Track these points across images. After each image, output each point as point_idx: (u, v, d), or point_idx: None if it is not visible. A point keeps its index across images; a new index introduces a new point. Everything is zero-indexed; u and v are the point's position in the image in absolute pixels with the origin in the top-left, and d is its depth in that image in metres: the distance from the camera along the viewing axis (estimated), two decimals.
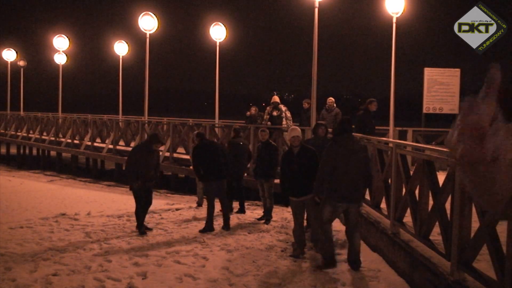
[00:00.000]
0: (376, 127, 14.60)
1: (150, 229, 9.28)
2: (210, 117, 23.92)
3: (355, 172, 6.60)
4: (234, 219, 10.33)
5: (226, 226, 9.37)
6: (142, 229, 9.11)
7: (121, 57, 25.59)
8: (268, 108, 14.99)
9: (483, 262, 4.88)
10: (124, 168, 9.76)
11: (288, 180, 7.35)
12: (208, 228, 9.20)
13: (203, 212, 10.65)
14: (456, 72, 15.88)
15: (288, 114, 14.87)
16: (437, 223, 5.59)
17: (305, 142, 9.71)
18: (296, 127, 8.13)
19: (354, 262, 6.78)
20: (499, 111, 2.35)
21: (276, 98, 15.13)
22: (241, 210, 11.08)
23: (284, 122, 14.50)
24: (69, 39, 28.95)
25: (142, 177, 9.02)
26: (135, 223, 9.43)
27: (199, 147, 9.46)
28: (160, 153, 12.27)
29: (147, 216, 9.62)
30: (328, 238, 6.90)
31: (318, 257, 7.27)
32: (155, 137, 9.44)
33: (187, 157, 16.53)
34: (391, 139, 10.84)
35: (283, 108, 14.78)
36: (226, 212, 9.52)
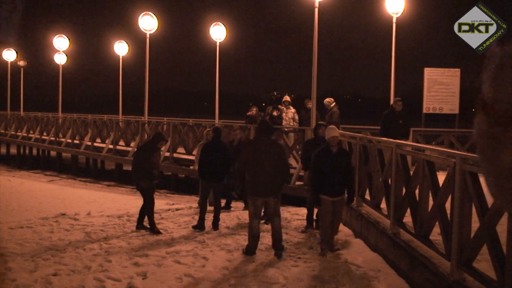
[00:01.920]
0: (374, 127, 14.60)
1: (147, 228, 9.24)
2: (210, 117, 23.93)
3: (270, 169, 7.28)
4: (234, 219, 10.34)
5: (215, 226, 9.36)
6: (155, 228, 9.12)
7: (121, 57, 25.58)
8: (268, 107, 15.03)
9: (483, 262, 4.88)
10: (131, 167, 9.76)
11: (326, 179, 7.43)
12: (200, 226, 9.21)
13: None
14: (456, 72, 15.88)
15: (296, 117, 14.91)
16: (437, 223, 5.59)
17: (306, 142, 9.73)
18: (335, 126, 8.10)
19: (278, 249, 7.46)
20: None
21: (287, 98, 15.14)
22: (228, 207, 11.32)
23: (291, 124, 14.56)
24: (69, 39, 28.95)
25: (148, 175, 9.05)
26: (135, 223, 9.43)
27: (210, 144, 9.53)
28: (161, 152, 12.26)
29: (146, 216, 9.60)
30: (254, 233, 7.50)
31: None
32: (159, 135, 9.52)
33: (187, 157, 16.54)
34: (391, 139, 10.83)
35: (292, 110, 14.76)
36: (218, 213, 9.53)
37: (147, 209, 9.25)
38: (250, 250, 7.52)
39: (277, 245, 7.52)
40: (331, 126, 8.06)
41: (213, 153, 9.41)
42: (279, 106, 14.93)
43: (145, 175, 9.04)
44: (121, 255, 7.46)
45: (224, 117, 24.67)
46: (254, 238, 7.54)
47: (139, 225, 9.32)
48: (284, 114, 14.67)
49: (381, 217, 7.58)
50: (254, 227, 7.54)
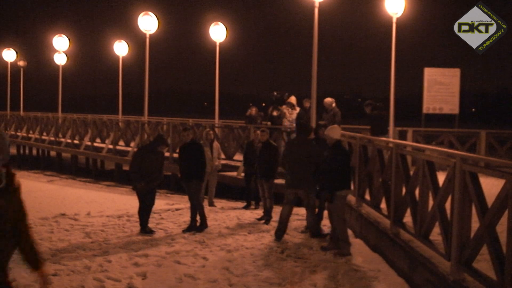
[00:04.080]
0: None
1: (151, 231, 9.12)
2: (210, 117, 23.93)
3: (300, 164, 8.12)
4: (234, 219, 10.34)
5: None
6: (146, 228, 9.02)
7: (121, 57, 25.54)
8: (269, 108, 15.03)
9: (483, 262, 4.88)
10: (129, 168, 9.67)
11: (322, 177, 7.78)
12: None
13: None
14: (456, 72, 15.88)
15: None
16: (437, 223, 5.59)
17: None
18: (335, 126, 8.28)
19: (311, 233, 8.50)
20: None
21: (292, 99, 14.94)
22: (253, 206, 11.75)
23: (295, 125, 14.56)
24: (69, 39, 28.93)
25: (145, 177, 8.98)
26: (135, 223, 9.41)
27: (189, 145, 9.54)
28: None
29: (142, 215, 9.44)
30: (281, 218, 8.43)
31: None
32: (160, 138, 9.47)
33: None
34: (391, 139, 10.84)
35: (297, 109, 14.67)
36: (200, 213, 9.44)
37: (140, 209, 9.08)
38: (276, 233, 8.40)
39: (311, 232, 8.51)
40: (332, 126, 8.16)
41: (191, 153, 9.39)
42: (283, 106, 14.87)
43: (142, 177, 8.95)
44: (121, 255, 7.45)
45: (224, 117, 24.68)
46: (280, 222, 8.42)
47: (144, 228, 9.07)
48: (288, 114, 14.63)
49: (381, 217, 7.58)
50: (282, 213, 8.45)
